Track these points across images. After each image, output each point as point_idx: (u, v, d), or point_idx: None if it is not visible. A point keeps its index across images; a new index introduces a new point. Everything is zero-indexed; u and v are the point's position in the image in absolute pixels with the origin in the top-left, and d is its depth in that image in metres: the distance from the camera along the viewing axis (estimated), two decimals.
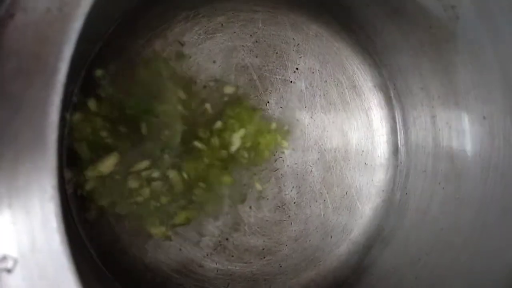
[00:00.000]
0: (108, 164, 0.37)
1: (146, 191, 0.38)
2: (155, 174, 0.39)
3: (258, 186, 0.44)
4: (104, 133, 0.36)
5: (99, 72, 0.37)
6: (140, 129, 0.39)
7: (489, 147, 0.36)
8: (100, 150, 0.37)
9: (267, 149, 0.44)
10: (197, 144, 0.40)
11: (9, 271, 0.17)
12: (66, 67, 0.17)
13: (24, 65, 0.17)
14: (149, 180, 0.39)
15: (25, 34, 0.17)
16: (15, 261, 0.17)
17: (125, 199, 0.38)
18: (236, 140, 0.41)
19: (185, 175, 0.40)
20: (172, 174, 0.39)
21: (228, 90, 0.43)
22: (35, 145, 0.17)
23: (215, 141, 0.41)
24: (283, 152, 0.45)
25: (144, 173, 0.38)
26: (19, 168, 0.17)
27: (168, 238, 0.41)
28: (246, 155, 0.42)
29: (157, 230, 0.40)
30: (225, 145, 0.41)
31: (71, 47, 0.17)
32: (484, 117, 0.36)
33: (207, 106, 0.42)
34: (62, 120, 0.33)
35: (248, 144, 0.42)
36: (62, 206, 0.19)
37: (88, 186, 0.37)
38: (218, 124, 0.41)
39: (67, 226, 0.25)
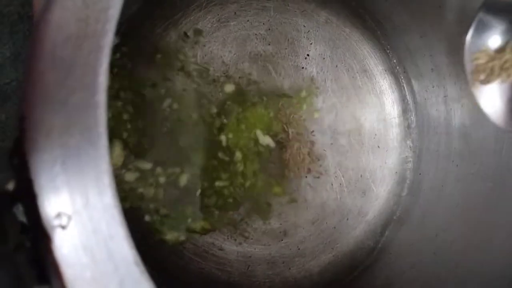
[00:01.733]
0: (116, 155, 0.37)
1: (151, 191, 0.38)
2: (162, 179, 0.39)
3: None
4: (125, 116, 0.37)
5: (115, 40, 0.38)
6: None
7: None
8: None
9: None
10: (219, 184, 0.41)
11: (63, 227, 0.18)
12: (113, 29, 0.18)
13: (74, 30, 0.18)
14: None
15: (73, 1, 0.18)
16: (69, 218, 0.18)
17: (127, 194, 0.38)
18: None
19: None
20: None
21: (228, 88, 0.44)
22: (85, 105, 0.18)
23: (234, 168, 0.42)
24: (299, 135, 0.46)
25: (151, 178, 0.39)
26: (71, 128, 0.18)
27: (182, 243, 0.41)
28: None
29: (169, 236, 0.40)
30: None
31: (117, 11, 0.18)
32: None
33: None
34: None
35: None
36: None
37: None
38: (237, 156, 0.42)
39: None
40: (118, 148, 0.35)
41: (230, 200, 0.42)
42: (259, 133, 0.42)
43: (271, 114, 0.44)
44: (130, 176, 0.36)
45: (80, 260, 0.18)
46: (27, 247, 0.18)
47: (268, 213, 0.44)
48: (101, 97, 0.18)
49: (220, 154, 0.42)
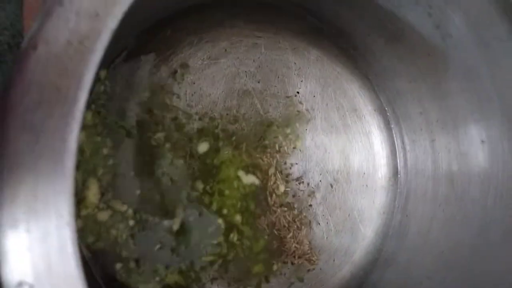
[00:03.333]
0: (93, 193, 0.36)
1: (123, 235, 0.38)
2: (130, 222, 0.38)
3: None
4: (105, 151, 0.36)
5: (102, 74, 0.37)
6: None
7: (489, 169, 0.37)
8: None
9: None
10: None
11: None
12: (85, 96, 0.18)
13: (45, 96, 0.18)
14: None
15: (46, 66, 0.18)
16: (31, 287, 0.18)
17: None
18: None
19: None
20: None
21: (202, 148, 0.42)
22: (54, 171, 0.18)
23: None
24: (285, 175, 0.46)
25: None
26: (38, 193, 0.18)
27: None
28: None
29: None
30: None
31: (90, 78, 0.18)
32: (482, 141, 0.37)
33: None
34: None
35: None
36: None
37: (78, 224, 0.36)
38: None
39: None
40: (94, 187, 0.35)
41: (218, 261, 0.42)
42: (241, 173, 0.42)
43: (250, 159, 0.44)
44: (103, 215, 0.36)
45: None
46: None
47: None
48: (70, 163, 0.18)
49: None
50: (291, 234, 0.45)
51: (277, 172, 0.45)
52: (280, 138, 0.45)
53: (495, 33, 0.32)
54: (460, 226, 0.40)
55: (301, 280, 0.45)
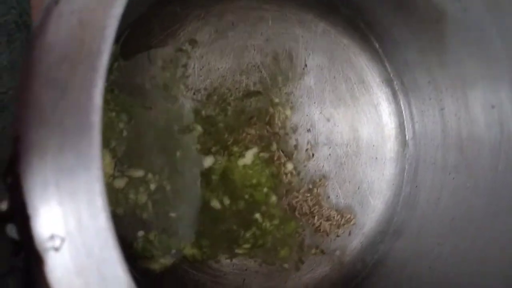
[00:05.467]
0: (105, 164, 0.36)
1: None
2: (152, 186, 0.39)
3: None
4: (121, 125, 0.37)
5: (115, 49, 0.37)
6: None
7: (499, 134, 0.37)
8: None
9: None
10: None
11: (56, 249, 0.18)
12: (108, 50, 0.18)
13: (69, 51, 0.18)
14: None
15: (69, 21, 0.18)
16: (62, 240, 0.18)
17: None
18: None
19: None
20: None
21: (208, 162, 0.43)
22: (80, 127, 0.18)
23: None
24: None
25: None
26: (66, 150, 0.18)
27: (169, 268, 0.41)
28: None
29: (155, 265, 0.39)
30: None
31: (112, 31, 0.18)
32: (492, 106, 0.37)
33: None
34: None
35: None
36: None
37: None
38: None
39: None
40: (106, 157, 0.35)
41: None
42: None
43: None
44: (119, 183, 0.36)
45: (73, 283, 0.18)
46: (19, 270, 0.18)
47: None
48: (96, 119, 0.18)
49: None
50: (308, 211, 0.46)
51: (280, 150, 0.45)
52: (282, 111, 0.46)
53: None
54: (471, 193, 0.40)
55: (322, 252, 0.46)
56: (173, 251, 0.39)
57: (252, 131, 0.44)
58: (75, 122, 0.18)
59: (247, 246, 0.43)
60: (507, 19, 0.33)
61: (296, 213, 0.45)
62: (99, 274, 0.18)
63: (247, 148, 0.44)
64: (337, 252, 0.46)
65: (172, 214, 0.39)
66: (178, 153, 0.40)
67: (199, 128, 0.42)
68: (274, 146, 0.45)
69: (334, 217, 0.46)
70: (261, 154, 0.44)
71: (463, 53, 0.38)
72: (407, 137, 0.49)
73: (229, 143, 0.43)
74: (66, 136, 0.18)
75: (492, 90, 0.38)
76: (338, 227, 0.47)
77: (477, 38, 0.36)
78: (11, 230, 0.19)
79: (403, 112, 0.48)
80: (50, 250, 0.18)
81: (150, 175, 0.37)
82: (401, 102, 0.49)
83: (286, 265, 0.45)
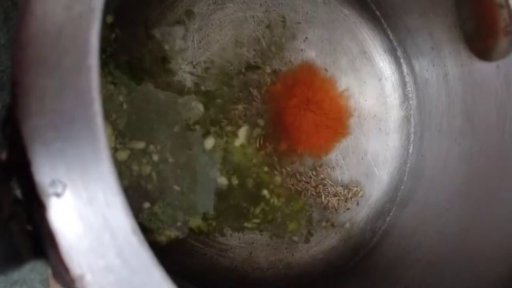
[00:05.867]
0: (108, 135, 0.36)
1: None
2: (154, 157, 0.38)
3: None
4: (121, 98, 0.36)
5: (109, 19, 0.37)
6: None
7: (505, 96, 0.36)
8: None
9: None
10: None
11: (58, 195, 0.18)
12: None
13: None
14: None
15: None
16: (64, 185, 0.18)
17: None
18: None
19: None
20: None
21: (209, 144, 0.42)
22: (78, 68, 0.17)
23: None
24: None
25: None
26: (65, 92, 0.17)
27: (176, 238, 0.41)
28: None
29: (161, 237, 0.39)
30: None
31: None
32: (497, 66, 0.37)
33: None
34: None
35: None
36: None
37: None
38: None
39: None
40: (108, 129, 0.35)
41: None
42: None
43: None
44: (121, 155, 0.36)
45: (76, 229, 0.18)
46: (21, 217, 0.18)
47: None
48: (94, 60, 0.18)
49: None
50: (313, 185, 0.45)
51: None
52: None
53: None
54: (478, 157, 0.40)
55: (332, 225, 0.46)
56: (179, 223, 0.38)
57: (240, 107, 0.43)
58: (73, 63, 0.17)
59: (257, 221, 0.43)
60: None
61: (302, 195, 0.45)
62: (103, 220, 0.18)
63: (238, 127, 0.43)
64: (347, 225, 0.46)
65: (176, 187, 0.38)
66: (178, 128, 0.40)
67: (199, 107, 0.42)
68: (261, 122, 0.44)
69: (341, 193, 0.46)
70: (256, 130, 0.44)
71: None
72: (411, 106, 0.48)
73: (223, 123, 0.42)
74: (65, 79, 0.17)
75: None
76: (346, 201, 0.46)
77: None
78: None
79: (407, 80, 0.48)
80: (52, 196, 0.18)
81: (152, 147, 0.37)
82: (405, 71, 0.48)
83: (295, 238, 0.45)
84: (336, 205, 0.46)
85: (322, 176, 0.46)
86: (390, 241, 0.45)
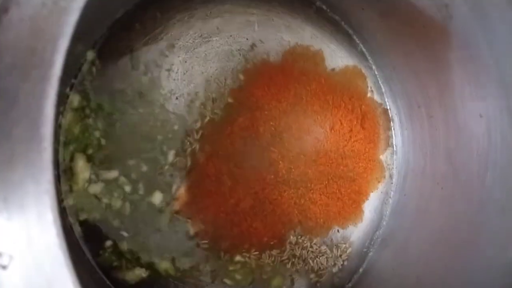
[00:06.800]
0: (80, 167, 0.35)
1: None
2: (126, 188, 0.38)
3: None
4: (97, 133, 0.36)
5: (90, 55, 0.36)
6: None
7: (487, 144, 0.36)
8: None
9: None
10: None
11: (4, 267, 0.17)
12: (61, 60, 0.17)
13: (19, 60, 0.17)
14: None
15: (20, 29, 0.17)
16: (11, 257, 0.17)
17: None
18: None
19: None
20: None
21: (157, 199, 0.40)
22: (30, 139, 0.17)
23: None
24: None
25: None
26: (15, 162, 0.17)
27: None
28: None
29: (129, 276, 0.38)
30: None
31: (66, 40, 0.17)
32: (480, 115, 0.36)
33: None
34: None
35: None
36: (59, 208, 0.19)
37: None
38: None
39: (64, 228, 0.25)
40: (81, 161, 0.35)
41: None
42: None
43: None
44: (94, 188, 0.35)
45: None
46: None
47: None
48: (47, 131, 0.17)
49: None
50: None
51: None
52: None
53: (491, 2, 0.31)
54: (459, 203, 0.39)
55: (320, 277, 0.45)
56: (144, 263, 0.37)
57: None
58: (26, 134, 0.17)
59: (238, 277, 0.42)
60: (494, 26, 0.32)
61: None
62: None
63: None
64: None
65: (144, 226, 0.37)
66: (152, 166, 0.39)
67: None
68: None
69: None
70: None
71: (450, 59, 0.38)
72: (395, 143, 0.48)
73: None
74: (16, 148, 0.17)
75: (480, 97, 0.37)
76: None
77: (464, 44, 0.36)
78: None
79: (392, 118, 0.48)
80: None
81: (122, 178, 0.37)
82: (391, 110, 0.48)
83: None
84: (325, 263, 0.45)
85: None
86: (369, 282, 0.44)
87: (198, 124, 0.41)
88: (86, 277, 0.31)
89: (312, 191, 0.45)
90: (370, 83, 0.47)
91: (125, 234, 0.37)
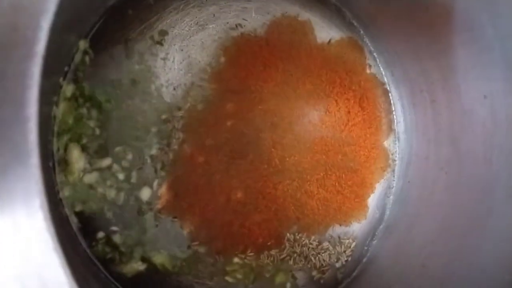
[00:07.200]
0: (75, 157, 0.34)
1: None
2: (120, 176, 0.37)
3: None
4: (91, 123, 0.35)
5: (82, 44, 0.36)
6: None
7: (492, 126, 0.35)
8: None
9: None
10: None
11: None
12: (45, 38, 0.17)
13: (1, 38, 0.16)
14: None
15: (1, 5, 0.17)
16: None
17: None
18: None
19: None
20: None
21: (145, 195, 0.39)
22: (14, 120, 0.16)
23: None
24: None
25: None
26: (0, 144, 0.16)
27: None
28: None
29: (126, 269, 0.37)
30: None
31: (49, 17, 0.17)
32: (485, 96, 0.36)
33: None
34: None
35: None
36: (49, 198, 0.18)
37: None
38: None
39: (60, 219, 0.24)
40: (76, 151, 0.34)
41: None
42: None
43: None
44: (89, 178, 0.35)
45: None
46: None
47: None
48: (32, 111, 0.16)
49: None
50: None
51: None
52: None
53: None
54: (464, 189, 0.39)
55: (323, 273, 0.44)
56: (140, 256, 0.37)
57: None
58: (9, 116, 0.16)
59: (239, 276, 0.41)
60: (498, 6, 0.31)
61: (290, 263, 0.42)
62: (39, 280, 0.16)
63: None
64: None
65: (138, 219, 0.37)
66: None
67: None
68: None
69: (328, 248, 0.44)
70: None
71: (454, 41, 0.37)
72: (398, 130, 0.47)
73: None
74: (1, 130, 0.16)
75: (484, 79, 0.36)
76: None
77: (468, 26, 0.35)
78: None
79: (395, 104, 0.47)
80: None
81: (115, 166, 0.36)
82: (393, 96, 0.47)
83: None
84: (327, 259, 0.44)
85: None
86: (374, 271, 0.43)
87: (181, 113, 0.40)
88: (83, 269, 0.30)
89: (308, 182, 0.42)
90: (371, 69, 0.46)
91: (115, 228, 0.36)
